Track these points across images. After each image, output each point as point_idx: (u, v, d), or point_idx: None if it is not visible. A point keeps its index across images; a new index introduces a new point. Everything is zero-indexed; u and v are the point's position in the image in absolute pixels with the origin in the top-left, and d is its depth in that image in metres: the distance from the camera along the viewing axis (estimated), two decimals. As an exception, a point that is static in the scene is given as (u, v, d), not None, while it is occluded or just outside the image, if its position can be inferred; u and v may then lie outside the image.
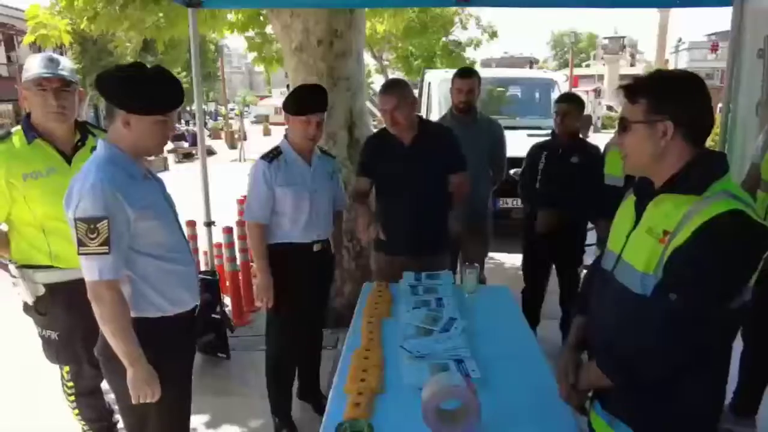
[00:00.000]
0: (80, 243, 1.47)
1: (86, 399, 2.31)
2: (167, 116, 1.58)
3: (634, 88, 1.24)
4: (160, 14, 4.03)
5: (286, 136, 2.41)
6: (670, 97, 1.20)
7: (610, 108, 28.51)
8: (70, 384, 2.26)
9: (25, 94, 1.95)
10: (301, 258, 2.41)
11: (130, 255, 1.56)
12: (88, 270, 1.49)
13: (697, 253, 1.10)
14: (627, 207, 1.36)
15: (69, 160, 2.00)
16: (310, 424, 2.71)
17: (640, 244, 1.23)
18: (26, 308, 2.10)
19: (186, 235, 1.89)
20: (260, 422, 2.73)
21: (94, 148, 1.68)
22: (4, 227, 2.06)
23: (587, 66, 51.83)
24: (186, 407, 1.86)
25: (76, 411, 2.33)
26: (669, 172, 1.22)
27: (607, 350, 1.27)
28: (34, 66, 1.91)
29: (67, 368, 2.23)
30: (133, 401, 1.58)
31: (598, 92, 34.76)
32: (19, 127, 2.00)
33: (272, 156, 2.35)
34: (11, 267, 2.04)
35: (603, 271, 1.39)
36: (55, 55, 2.01)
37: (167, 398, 1.64)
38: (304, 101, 2.29)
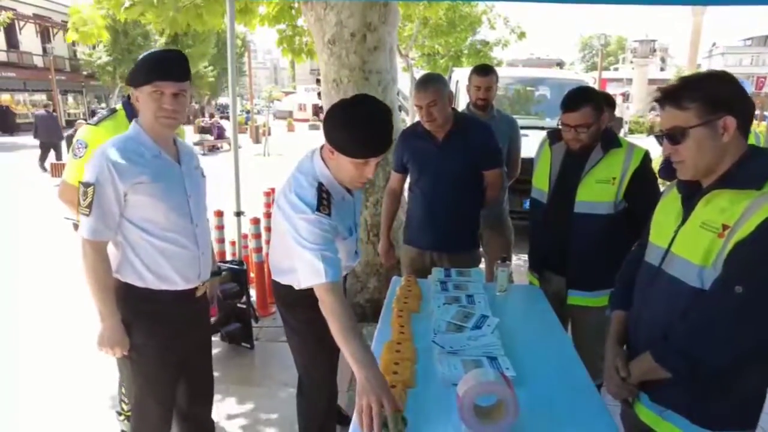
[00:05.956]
0: (78, 202, 1.69)
1: None
2: (157, 86, 1.65)
3: (676, 96, 1.22)
4: (198, 1, 4.06)
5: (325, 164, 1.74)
6: (721, 93, 1.20)
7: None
8: None
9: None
10: None
11: (123, 223, 1.71)
12: (80, 226, 1.70)
13: (763, 246, 1.11)
14: (671, 202, 1.36)
15: None
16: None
17: (694, 238, 1.24)
18: None
19: (212, 223, 1.94)
20: (281, 412, 2.74)
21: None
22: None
23: (615, 69, 50.98)
24: (168, 379, 1.88)
25: None
26: (723, 168, 1.22)
27: (663, 343, 1.27)
28: None
29: None
30: (97, 350, 1.75)
31: (626, 96, 34.11)
32: (120, 105, 2.28)
33: (322, 202, 1.65)
34: None
35: (648, 265, 1.38)
36: None
37: (143, 363, 1.80)
38: (371, 143, 1.61)
